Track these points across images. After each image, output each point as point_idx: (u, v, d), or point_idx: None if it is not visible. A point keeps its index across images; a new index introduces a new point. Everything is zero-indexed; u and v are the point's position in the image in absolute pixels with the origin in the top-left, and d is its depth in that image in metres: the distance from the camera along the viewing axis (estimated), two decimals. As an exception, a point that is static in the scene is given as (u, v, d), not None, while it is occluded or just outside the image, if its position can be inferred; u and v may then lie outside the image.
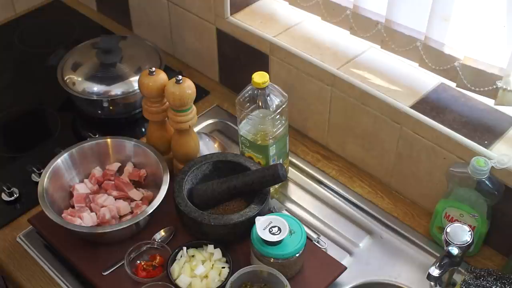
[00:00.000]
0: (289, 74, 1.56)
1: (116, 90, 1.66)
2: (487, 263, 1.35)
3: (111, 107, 1.67)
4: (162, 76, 1.39)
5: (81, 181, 1.45)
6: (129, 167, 1.47)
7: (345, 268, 1.31)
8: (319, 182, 1.53)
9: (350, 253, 1.40)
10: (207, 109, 1.73)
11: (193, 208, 1.31)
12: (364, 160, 1.53)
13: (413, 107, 1.37)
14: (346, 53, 1.51)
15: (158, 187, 1.37)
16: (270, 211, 1.38)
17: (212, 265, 1.28)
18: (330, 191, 1.51)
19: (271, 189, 1.40)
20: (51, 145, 1.60)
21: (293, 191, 1.53)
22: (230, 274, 1.26)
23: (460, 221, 1.30)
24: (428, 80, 1.43)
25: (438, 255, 1.28)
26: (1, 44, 2.00)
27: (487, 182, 1.24)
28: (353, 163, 1.56)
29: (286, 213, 1.44)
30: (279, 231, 1.23)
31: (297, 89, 1.56)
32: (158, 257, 1.32)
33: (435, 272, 1.19)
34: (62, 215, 1.35)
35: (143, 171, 1.46)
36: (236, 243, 1.33)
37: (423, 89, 1.41)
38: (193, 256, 1.30)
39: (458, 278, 1.29)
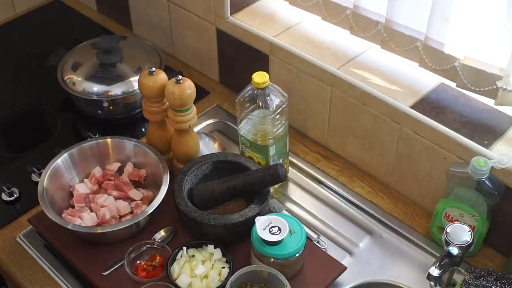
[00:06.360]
0: (289, 74, 1.56)
1: (116, 90, 1.66)
2: (487, 263, 1.35)
3: (111, 107, 1.67)
4: (162, 76, 1.39)
5: (81, 181, 1.45)
6: (129, 167, 1.47)
7: (345, 268, 1.31)
8: (319, 182, 1.53)
9: (350, 253, 1.40)
10: (207, 109, 1.73)
11: (193, 208, 1.31)
12: (364, 160, 1.53)
13: (413, 107, 1.37)
14: (346, 53, 1.51)
15: (158, 187, 1.37)
16: (270, 211, 1.39)
17: (212, 265, 1.28)
18: (330, 191, 1.51)
19: (271, 189, 1.40)
20: (51, 145, 1.60)
21: (293, 191, 1.53)
22: (230, 274, 1.26)
23: (460, 221, 1.30)
24: (428, 80, 1.43)
25: (438, 255, 1.28)
26: (1, 44, 2.00)
27: (487, 182, 1.24)
28: (353, 163, 1.56)
29: (286, 213, 1.44)
30: (279, 231, 1.23)
31: (297, 89, 1.56)
32: (158, 257, 1.32)
33: (435, 272, 1.19)
34: (62, 215, 1.35)
35: (143, 171, 1.46)
36: (236, 243, 1.33)
37: (423, 89, 1.41)
38: (193, 256, 1.30)
39: (458, 278, 1.29)
